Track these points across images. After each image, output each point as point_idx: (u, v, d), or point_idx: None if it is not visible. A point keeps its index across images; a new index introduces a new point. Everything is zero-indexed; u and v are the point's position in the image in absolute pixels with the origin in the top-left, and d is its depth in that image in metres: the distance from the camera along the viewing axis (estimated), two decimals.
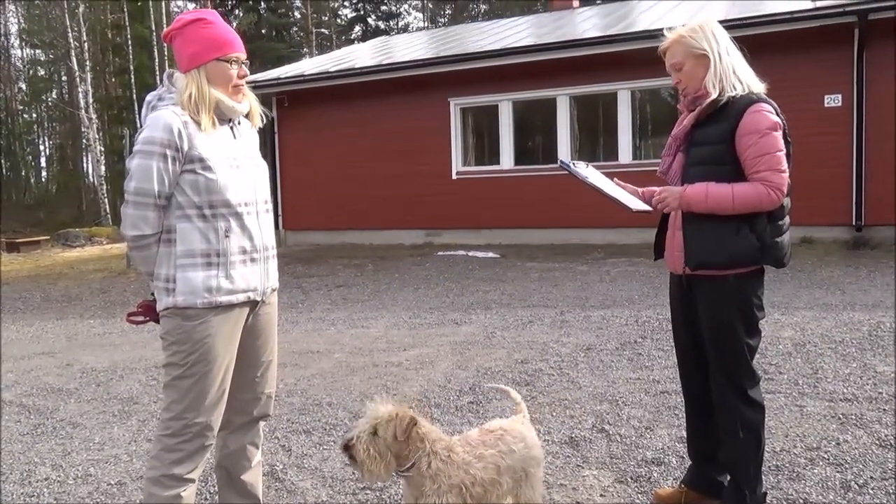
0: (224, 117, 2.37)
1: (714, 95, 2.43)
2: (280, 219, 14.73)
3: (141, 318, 2.45)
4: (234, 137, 2.40)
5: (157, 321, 2.40)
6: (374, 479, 2.26)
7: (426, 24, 43.10)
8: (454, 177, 13.01)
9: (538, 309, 6.95)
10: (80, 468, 3.55)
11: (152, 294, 2.41)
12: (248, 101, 2.44)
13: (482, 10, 42.54)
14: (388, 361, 5.27)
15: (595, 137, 12.86)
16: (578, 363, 4.92)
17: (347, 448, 2.16)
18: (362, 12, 44.87)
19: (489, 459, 2.25)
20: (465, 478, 2.18)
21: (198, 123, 2.27)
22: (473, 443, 2.30)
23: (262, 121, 2.54)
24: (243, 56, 2.39)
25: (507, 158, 12.70)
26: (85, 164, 37.34)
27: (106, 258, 14.79)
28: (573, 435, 3.59)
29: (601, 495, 2.95)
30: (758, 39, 9.54)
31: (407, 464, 2.19)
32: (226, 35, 2.35)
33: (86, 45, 25.23)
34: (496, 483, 2.25)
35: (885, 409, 3.71)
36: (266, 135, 13.91)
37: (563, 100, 12.19)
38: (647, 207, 2.65)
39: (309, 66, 15.93)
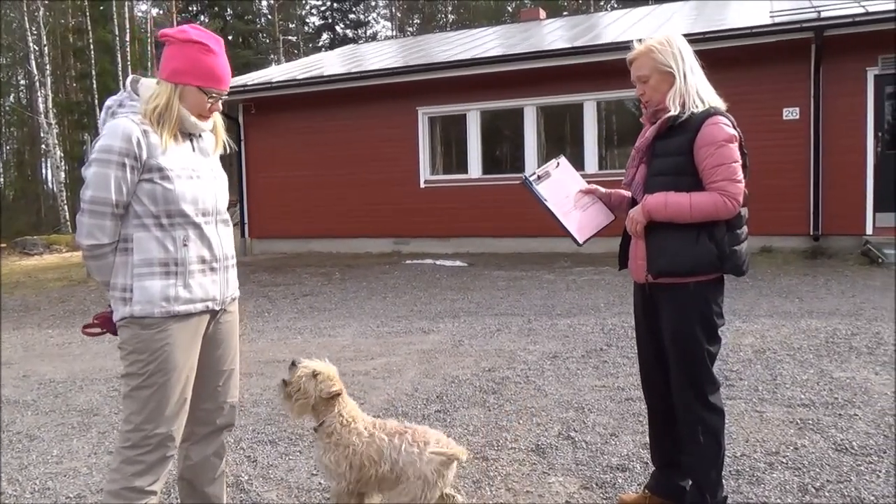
0: (185, 132, 2.35)
1: (673, 112, 2.49)
2: (246, 227, 14.58)
3: (97, 331, 2.41)
4: (194, 150, 2.38)
5: (114, 333, 2.37)
6: (291, 413, 2.65)
7: (394, 34, 43.17)
8: (422, 185, 13.03)
9: (505, 317, 6.99)
10: (37, 482, 3.46)
11: (109, 305, 2.37)
12: (213, 120, 2.43)
13: (450, 21, 42.79)
14: (356, 370, 5.24)
15: (561, 147, 13.00)
16: (545, 371, 4.95)
17: (286, 382, 2.60)
18: (330, 20, 44.79)
19: (377, 443, 2.56)
20: (351, 444, 2.55)
21: (158, 136, 2.24)
22: (379, 426, 2.63)
23: (227, 149, 2.52)
24: (225, 94, 2.37)
25: (474, 167, 12.77)
26: (44, 171, 36.51)
27: (65, 266, 14.45)
28: (539, 442, 3.62)
29: (567, 502, 2.97)
30: (720, 53, 9.81)
31: (319, 421, 2.60)
32: (220, 70, 2.32)
33: (46, 48, 24.70)
34: (374, 462, 2.54)
35: (840, 415, 3.81)
36: (232, 141, 13.75)
37: (530, 110, 12.31)
38: (598, 228, 2.78)
39: (277, 72, 15.84)
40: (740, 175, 2.45)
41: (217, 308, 2.42)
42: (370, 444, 2.56)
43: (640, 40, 2.61)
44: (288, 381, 2.60)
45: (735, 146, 2.46)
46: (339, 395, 2.60)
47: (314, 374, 2.57)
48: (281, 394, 2.64)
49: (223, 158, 2.62)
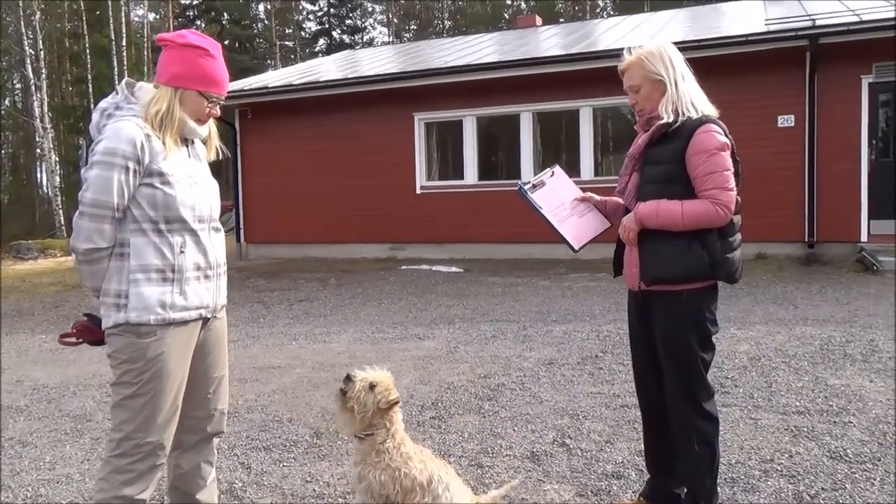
0: (183, 136, 2.35)
1: (665, 119, 2.50)
2: (241, 232, 14.56)
3: (73, 340, 2.38)
4: (189, 155, 2.38)
5: (92, 343, 2.35)
6: (344, 426, 2.61)
7: (391, 39, 43.26)
8: (418, 191, 13.04)
9: (501, 324, 6.98)
10: (29, 489, 3.43)
11: (85, 315, 2.35)
12: (209, 127, 2.44)
13: (447, 27, 42.91)
14: None
15: (557, 153, 13.06)
16: (540, 378, 4.95)
17: (344, 392, 2.51)
18: (327, 26, 44.89)
19: (427, 471, 2.53)
20: (402, 467, 2.50)
21: (161, 140, 2.24)
22: (425, 453, 2.60)
23: (219, 155, 2.53)
24: (223, 99, 2.38)
25: (470, 173, 12.78)
26: (39, 175, 36.42)
27: (60, 271, 14.40)
28: (535, 449, 3.61)
29: None
30: (715, 61, 9.86)
31: (368, 431, 2.52)
32: (219, 74, 2.34)
33: (42, 52, 24.68)
34: (421, 488, 2.51)
35: (835, 422, 3.82)
36: (228, 147, 13.76)
37: (526, 116, 12.34)
38: (594, 235, 2.79)
39: (273, 78, 15.85)
40: (732, 183, 2.46)
41: (209, 315, 2.41)
42: (423, 472, 2.52)
43: (630, 50, 2.62)
44: (347, 393, 2.51)
45: (727, 154, 2.47)
46: (397, 403, 2.54)
47: (372, 387, 2.50)
48: (338, 406, 2.55)
49: (220, 163, 2.62)
